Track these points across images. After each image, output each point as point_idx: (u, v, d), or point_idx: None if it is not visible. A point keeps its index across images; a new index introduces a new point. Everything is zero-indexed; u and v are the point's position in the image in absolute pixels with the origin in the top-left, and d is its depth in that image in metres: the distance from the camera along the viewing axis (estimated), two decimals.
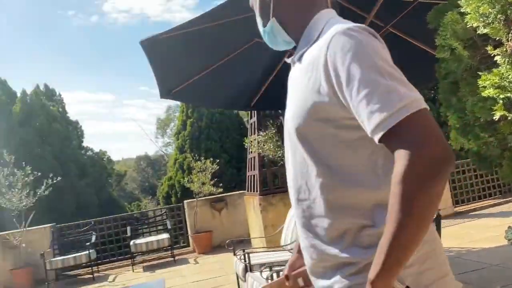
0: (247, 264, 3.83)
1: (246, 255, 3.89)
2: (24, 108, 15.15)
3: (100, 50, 60.03)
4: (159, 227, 8.48)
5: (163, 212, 8.40)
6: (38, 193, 7.84)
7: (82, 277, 7.45)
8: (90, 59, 58.62)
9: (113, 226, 8.32)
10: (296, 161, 1.05)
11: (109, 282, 6.67)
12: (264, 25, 1.16)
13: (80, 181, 15.01)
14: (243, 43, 4.39)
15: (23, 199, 7.53)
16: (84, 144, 17.26)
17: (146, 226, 8.41)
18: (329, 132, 0.96)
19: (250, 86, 5.32)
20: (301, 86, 1.01)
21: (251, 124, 7.01)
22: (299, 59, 1.06)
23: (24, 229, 7.37)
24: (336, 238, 0.97)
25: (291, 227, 4.18)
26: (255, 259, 4.05)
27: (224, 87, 5.20)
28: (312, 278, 1.07)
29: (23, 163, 7.97)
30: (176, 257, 7.62)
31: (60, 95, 17.55)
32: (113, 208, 16.13)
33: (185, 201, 8.60)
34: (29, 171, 7.76)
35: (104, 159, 17.00)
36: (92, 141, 60.42)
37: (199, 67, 4.55)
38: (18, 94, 16.10)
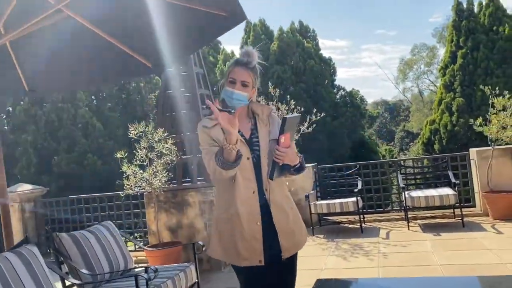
0: None
1: None
2: (281, 46, 15.58)
3: None
4: (435, 179, 7.05)
5: (444, 160, 6.89)
6: (301, 130, 7.49)
7: (347, 226, 6.83)
8: (325, 6, 58.51)
9: (380, 173, 7.35)
10: None
11: (382, 238, 5.77)
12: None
13: (333, 121, 14.73)
14: None
15: None
16: (336, 83, 16.85)
17: (419, 176, 7.12)
18: None
19: None
20: None
21: None
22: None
23: None
24: None
25: None
26: None
27: None
28: None
29: (288, 96, 7.71)
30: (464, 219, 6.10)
31: (314, 31, 17.46)
32: (366, 151, 15.47)
33: (472, 149, 6.84)
34: (293, 105, 7.44)
35: (357, 98, 16.27)
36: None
37: None
38: (275, 33, 16.71)
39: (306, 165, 6.98)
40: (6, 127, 10.68)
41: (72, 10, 3.97)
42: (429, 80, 31.36)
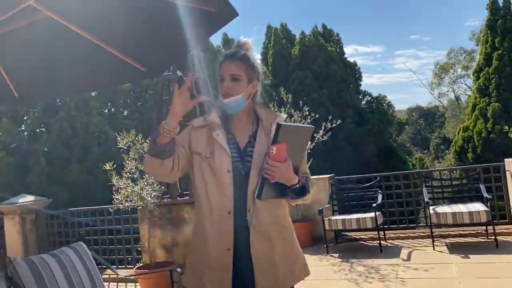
0: None
1: None
2: (303, 50, 15.15)
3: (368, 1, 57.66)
4: (466, 193, 6.44)
5: (475, 172, 6.28)
6: (316, 138, 7.04)
7: (366, 243, 6.31)
8: (358, 11, 57.69)
9: (404, 185, 6.79)
10: None
11: (402, 259, 5.23)
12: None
13: (358, 128, 14.14)
14: None
15: None
16: (362, 88, 16.25)
17: (449, 190, 6.54)
18: None
19: None
20: None
21: None
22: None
23: None
24: None
25: None
26: None
27: None
28: None
29: (300, 102, 7.29)
30: (497, 239, 5.48)
31: (338, 35, 16.94)
32: (393, 161, 14.78)
33: (508, 160, 6.21)
34: (307, 112, 7.00)
35: (384, 104, 15.64)
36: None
37: None
38: (297, 37, 16.31)
39: (321, 176, 6.37)
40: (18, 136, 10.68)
41: (48, 8, 3.69)
42: (465, 85, 30.22)
